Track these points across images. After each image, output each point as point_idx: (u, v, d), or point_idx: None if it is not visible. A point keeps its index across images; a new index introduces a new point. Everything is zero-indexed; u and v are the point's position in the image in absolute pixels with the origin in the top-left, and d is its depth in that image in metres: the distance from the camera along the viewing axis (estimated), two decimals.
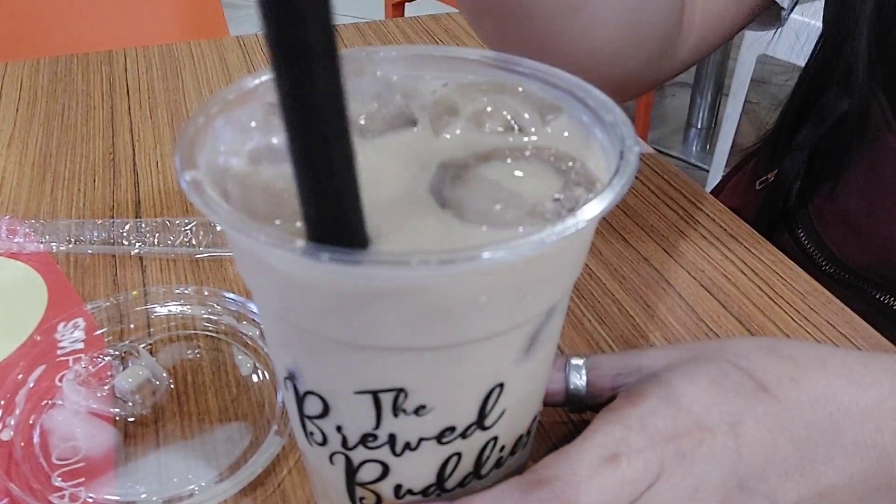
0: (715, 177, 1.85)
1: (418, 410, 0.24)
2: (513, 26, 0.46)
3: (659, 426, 0.28)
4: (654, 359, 0.33)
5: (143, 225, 0.51)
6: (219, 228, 0.50)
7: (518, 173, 0.24)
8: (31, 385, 0.40)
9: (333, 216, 0.20)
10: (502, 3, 0.45)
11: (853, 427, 0.29)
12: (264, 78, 0.27)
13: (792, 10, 0.54)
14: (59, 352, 0.42)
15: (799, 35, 0.56)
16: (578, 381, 0.34)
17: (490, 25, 0.48)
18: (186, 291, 0.46)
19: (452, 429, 0.25)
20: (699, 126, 2.27)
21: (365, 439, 0.25)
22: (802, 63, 0.60)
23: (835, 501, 0.29)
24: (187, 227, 0.51)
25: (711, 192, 0.73)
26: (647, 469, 0.27)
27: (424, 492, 0.27)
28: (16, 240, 0.51)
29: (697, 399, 0.29)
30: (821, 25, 0.56)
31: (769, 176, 0.63)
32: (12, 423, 0.38)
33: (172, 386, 0.40)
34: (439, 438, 0.25)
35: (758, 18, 0.55)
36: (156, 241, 0.50)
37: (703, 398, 0.29)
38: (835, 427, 0.29)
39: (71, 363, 0.41)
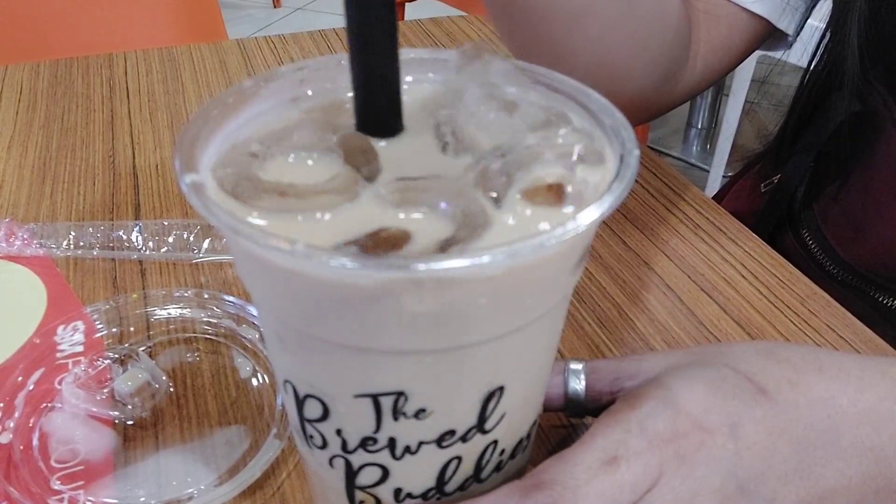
0: (715, 177, 1.85)
1: (418, 414, 0.24)
2: (529, 28, 0.47)
3: (658, 428, 0.28)
4: (653, 363, 0.33)
5: (143, 228, 0.51)
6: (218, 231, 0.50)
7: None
8: (31, 388, 0.40)
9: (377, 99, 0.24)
10: (519, 6, 0.46)
11: (851, 430, 0.29)
12: (264, 81, 0.27)
13: (797, 34, 0.55)
14: (58, 355, 0.42)
15: (800, 35, 0.56)
16: (577, 385, 0.34)
17: (509, 27, 0.49)
18: (186, 294, 0.46)
19: (452, 432, 0.25)
20: (699, 126, 2.27)
21: (365, 443, 0.25)
22: (803, 63, 0.60)
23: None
24: (187, 230, 0.51)
25: (716, 196, 0.74)
26: (646, 472, 0.27)
27: (424, 495, 0.27)
28: (15, 243, 0.51)
29: (696, 401, 0.29)
30: (820, 25, 0.56)
31: (774, 179, 0.63)
32: (11, 425, 0.38)
33: (172, 389, 0.40)
34: (439, 442, 0.25)
35: (766, 42, 0.55)
36: (155, 243, 0.50)
37: (701, 401, 0.29)
38: (833, 429, 0.29)
39: (70, 366, 0.41)
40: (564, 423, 0.38)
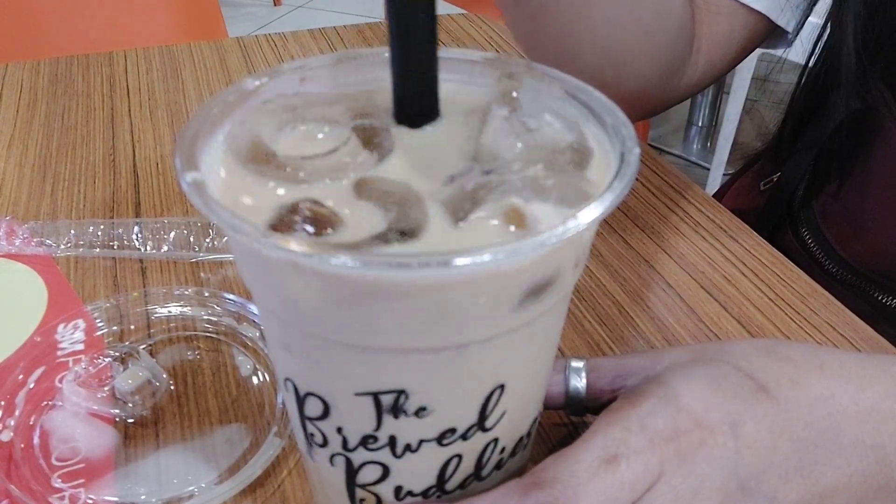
0: (716, 175, 1.85)
1: (419, 412, 0.24)
2: (536, 14, 0.47)
3: (659, 426, 0.28)
4: (654, 361, 0.33)
5: (143, 226, 0.51)
6: (217, 228, 0.50)
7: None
8: (31, 386, 0.40)
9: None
10: None
11: (852, 428, 0.29)
12: (265, 79, 0.27)
13: (798, 33, 0.55)
14: (59, 353, 0.42)
15: (800, 33, 0.56)
16: (578, 383, 0.34)
17: (516, 14, 0.50)
18: (186, 293, 0.46)
19: (453, 430, 0.25)
20: (700, 124, 2.27)
21: (365, 441, 0.25)
22: (804, 61, 0.60)
23: (835, 502, 0.29)
24: (187, 228, 0.51)
25: (716, 194, 0.74)
26: (646, 470, 0.27)
27: (425, 493, 0.27)
28: (16, 241, 0.51)
29: (697, 399, 0.29)
30: (820, 22, 0.56)
31: (773, 177, 0.63)
32: (12, 424, 0.38)
33: (172, 387, 0.40)
34: (440, 440, 0.25)
35: (766, 40, 0.55)
36: (156, 242, 0.50)
37: (702, 398, 0.29)
38: (834, 427, 0.29)
39: (71, 364, 0.41)
40: (565, 421, 0.38)
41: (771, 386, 0.29)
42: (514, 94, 0.26)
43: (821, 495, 0.29)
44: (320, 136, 0.25)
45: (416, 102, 0.25)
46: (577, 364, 0.34)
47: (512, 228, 0.22)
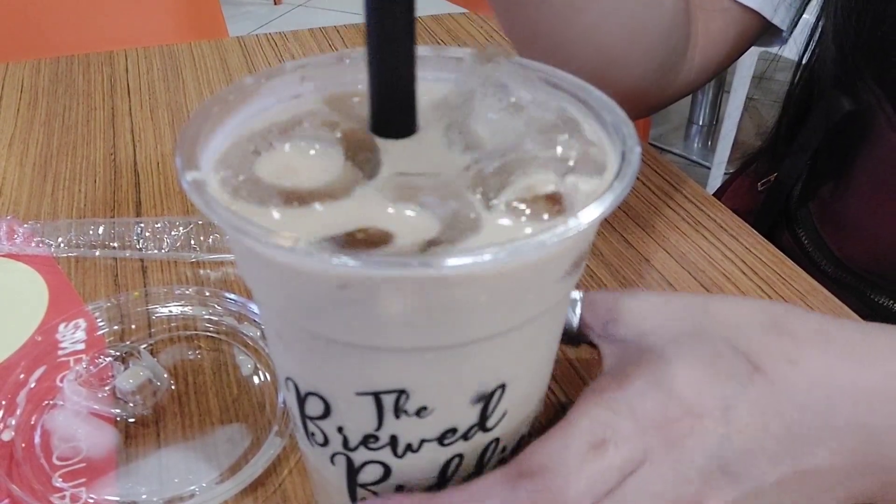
0: (716, 174, 1.85)
1: (420, 411, 0.24)
2: (527, 19, 0.47)
3: (647, 410, 0.28)
4: (648, 309, 0.32)
5: (144, 225, 0.51)
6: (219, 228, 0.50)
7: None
8: (32, 385, 0.40)
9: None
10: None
11: (847, 409, 0.28)
12: (263, 79, 0.27)
13: (792, 31, 0.55)
14: (59, 352, 0.42)
15: (800, 32, 0.56)
16: (572, 316, 0.33)
17: (509, 19, 0.50)
18: (187, 292, 0.46)
19: (454, 430, 0.25)
20: (700, 123, 2.27)
21: (366, 440, 0.25)
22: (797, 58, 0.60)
23: (819, 481, 0.28)
24: (188, 228, 0.51)
25: (715, 193, 0.73)
26: (632, 454, 0.27)
27: None
28: (17, 240, 0.51)
29: (689, 384, 0.28)
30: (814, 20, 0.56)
31: (770, 178, 0.63)
32: (13, 423, 0.38)
33: (173, 386, 0.40)
34: (441, 440, 0.25)
35: (761, 38, 0.55)
36: (156, 241, 0.50)
37: (695, 383, 0.28)
38: (830, 409, 0.28)
39: (72, 364, 0.41)
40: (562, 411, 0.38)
41: (767, 367, 0.29)
42: (496, 74, 0.26)
43: (803, 473, 0.28)
44: (311, 158, 0.25)
45: (396, 116, 0.25)
46: (574, 296, 0.33)
47: (545, 213, 0.22)
